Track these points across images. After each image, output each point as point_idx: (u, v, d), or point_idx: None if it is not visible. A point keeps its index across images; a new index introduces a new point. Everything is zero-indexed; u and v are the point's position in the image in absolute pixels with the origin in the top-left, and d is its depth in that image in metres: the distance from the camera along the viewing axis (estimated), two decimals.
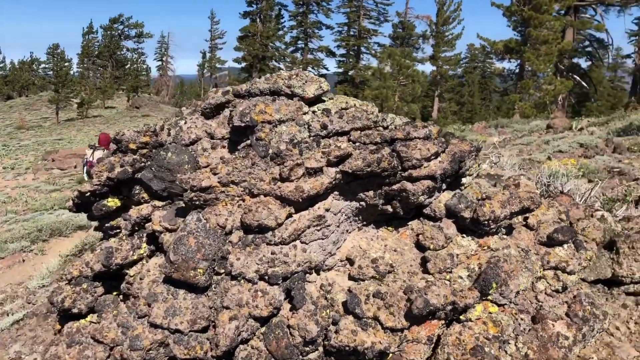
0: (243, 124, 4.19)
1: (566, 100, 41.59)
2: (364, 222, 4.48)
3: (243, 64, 64.12)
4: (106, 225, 4.91)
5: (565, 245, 4.42)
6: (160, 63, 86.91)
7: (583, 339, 3.96)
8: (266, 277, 3.95)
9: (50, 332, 8.75)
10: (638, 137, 14.40)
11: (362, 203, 4.25)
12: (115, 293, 4.96)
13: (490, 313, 4.06)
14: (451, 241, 4.21)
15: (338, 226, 4.23)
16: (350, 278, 4.20)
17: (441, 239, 4.18)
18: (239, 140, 4.43)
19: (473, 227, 4.26)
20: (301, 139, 4.13)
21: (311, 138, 4.14)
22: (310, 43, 65.23)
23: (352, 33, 61.92)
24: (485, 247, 4.27)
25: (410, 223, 4.44)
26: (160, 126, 4.60)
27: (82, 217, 18.79)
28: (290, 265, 3.92)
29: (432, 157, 4.07)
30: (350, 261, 4.27)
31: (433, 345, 4.11)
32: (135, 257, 4.67)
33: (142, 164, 4.56)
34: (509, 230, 4.51)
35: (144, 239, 4.72)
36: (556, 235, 4.36)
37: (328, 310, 3.95)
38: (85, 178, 15.00)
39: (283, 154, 4.01)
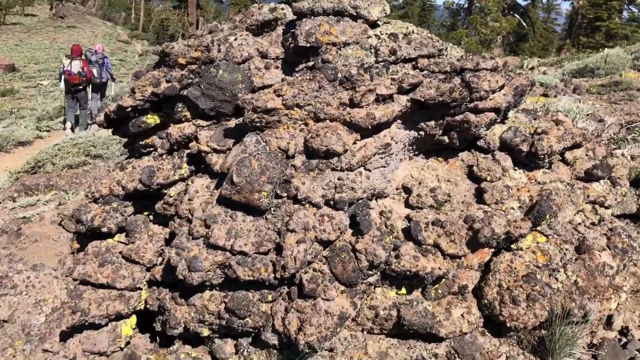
0: (308, 45, 4.05)
1: (505, 39, 42.35)
2: (415, 152, 4.51)
3: None
4: (140, 143, 4.70)
5: (601, 181, 4.64)
6: None
7: (623, 269, 4.24)
8: (331, 202, 3.94)
9: (27, 251, 8.45)
10: (593, 79, 14.97)
11: (421, 132, 4.27)
12: (146, 213, 4.82)
13: (538, 243, 4.25)
14: (506, 173, 4.32)
15: (396, 155, 4.25)
16: (407, 206, 4.26)
17: (498, 171, 4.28)
18: (295, 62, 4.29)
19: (526, 161, 4.38)
20: (370, 64, 4.05)
21: (381, 64, 4.06)
22: None
23: None
24: (533, 180, 4.42)
25: (460, 154, 4.51)
26: (210, 41, 4.37)
27: (21, 133, 17.89)
28: (357, 191, 3.92)
29: (497, 90, 4.11)
30: (406, 189, 4.32)
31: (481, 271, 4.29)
32: (176, 177, 4.53)
33: (190, 80, 4.34)
34: (549, 165, 4.67)
35: (185, 159, 4.57)
36: (595, 172, 4.55)
37: (390, 237, 4.01)
38: (62, 86, 15.17)
39: (354, 79, 3.93)
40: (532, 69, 20.53)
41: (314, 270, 3.98)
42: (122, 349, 4.69)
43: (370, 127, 3.88)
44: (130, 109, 4.37)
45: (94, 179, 4.95)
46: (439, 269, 3.98)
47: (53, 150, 14.09)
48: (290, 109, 4.01)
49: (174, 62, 4.34)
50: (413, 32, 4.36)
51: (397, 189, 4.33)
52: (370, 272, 3.97)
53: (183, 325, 4.26)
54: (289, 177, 3.97)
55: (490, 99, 4.08)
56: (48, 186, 11.99)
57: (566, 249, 4.25)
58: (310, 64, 4.17)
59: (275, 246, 3.92)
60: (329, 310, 3.89)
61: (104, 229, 4.68)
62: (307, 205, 3.95)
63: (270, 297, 4.11)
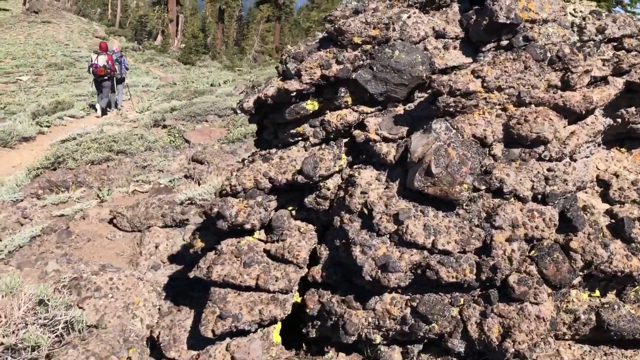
0: (508, 21, 3.67)
1: None
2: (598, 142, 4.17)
3: None
4: (291, 131, 4.26)
5: None
6: None
7: None
8: (539, 196, 3.57)
9: (83, 250, 7.93)
10: None
11: (618, 120, 3.93)
12: (290, 208, 4.39)
13: None
14: None
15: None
16: (605, 200, 3.92)
17: None
18: (481, 41, 3.91)
19: None
20: (576, 43, 3.69)
21: (591, 43, 3.71)
22: None
23: None
24: None
25: None
26: (387, 17, 3.95)
27: (24, 127, 17.18)
28: (568, 184, 3.55)
29: None
30: (601, 182, 3.98)
31: None
32: (336, 169, 4.12)
33: (361, 62, 3.92)
34: None
35: (343, 148, 4.15)
36: None
37: (600, 234, 3.66)
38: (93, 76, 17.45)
39: (567, 59, 3.56)
40: None
41: (518, 271, 3.60)
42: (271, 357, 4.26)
43: (584, 111, 3.53)
44: (295, 93, 3.93)
45: (231, 172, 4.48)
46: None
47: (73, 146, 13.48)
48: (489, 92, 3.63)
49: (347, 42, 3.91)
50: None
51: (591, 181, 3.98)
52: (581, 274, 3.61)
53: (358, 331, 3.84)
54: (489, 167, 3.58)
55: None
56: (76, 182, 11.41)
57: None
58: (504, 43, 3.79)
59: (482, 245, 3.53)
60: (540, 315, 3.51)
61: (247, 226, 4.24)
62: (512, 199, 3.57)
63: (462, 301, 3.72)
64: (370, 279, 3.60)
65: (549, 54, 3.60)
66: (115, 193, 9.98)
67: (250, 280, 4.11)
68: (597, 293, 3.87)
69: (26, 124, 18.09)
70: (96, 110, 18.79)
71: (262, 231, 4.41)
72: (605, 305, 3.79)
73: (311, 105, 4.07)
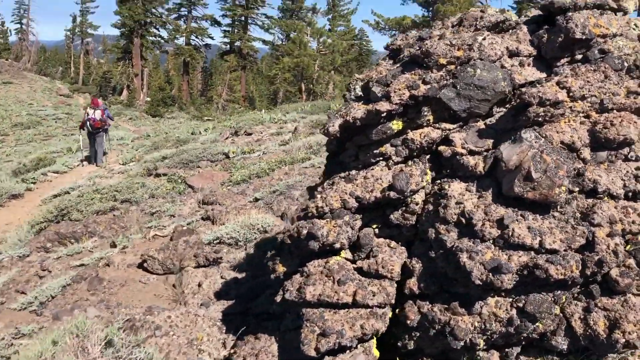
0: (583, 37, 4.00)
1: None
2: None
3: (123, 30, 59.94)
4: (374, 151, 4.46)
5: None
6: (19, 26, 78.88)
7: None
8: (630, 194, 3.84)
9: (118, 295, 7.90)
10: None
11: None
12: (374, 226, 4.56)
13: None
14: None
15: None
16: None
17: None
18: (555, 57, 4.22)
19: None
20: None
21: None
22: (194, 11, 62.53)
23: (239, 2, 60.12)
24: None
25: None
26: (468, 39, 4.24)
27: (11, 185, 16.93)
28: None
29: None
30: None
31: None
32: (424, 184, 4.32)
33: (445, 81, 4.19)
34: None
35: (427, 164, 4.37)
36: None
37: None
38: (89, 129, 19.62)
39: None
40: None
41: (617, 265, 3.83)
42: None
43: None
44: (385, 113, 4.16)
45: (315, 195, 4.64)
46: None
47: (75, 198, 13.38)
48: (574, 101, 3.92)
49: (433, 63, 4.17)
50: None
51: None
52: None
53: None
54: (582, 170, 3.84)
55: None
56: (86, 233, 11.32)
57: None
58: (578, 57, 4.11)
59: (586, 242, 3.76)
60: None
61: (337, 245, 4.39)
62: (606, 197, 3.83)
63: (563, 298, 3.91)
64: (481, 283, 3.77)
65: (626, 64, 3.93)
66: (134, 239, 9.93)
67: (346, 298, 4.23)
68: None
69: (9, 182, 17.85)
70: (91, 161, 20.52)
71: (348, 250, 4.54)
72: None
73: (396, 125, 4.29)
